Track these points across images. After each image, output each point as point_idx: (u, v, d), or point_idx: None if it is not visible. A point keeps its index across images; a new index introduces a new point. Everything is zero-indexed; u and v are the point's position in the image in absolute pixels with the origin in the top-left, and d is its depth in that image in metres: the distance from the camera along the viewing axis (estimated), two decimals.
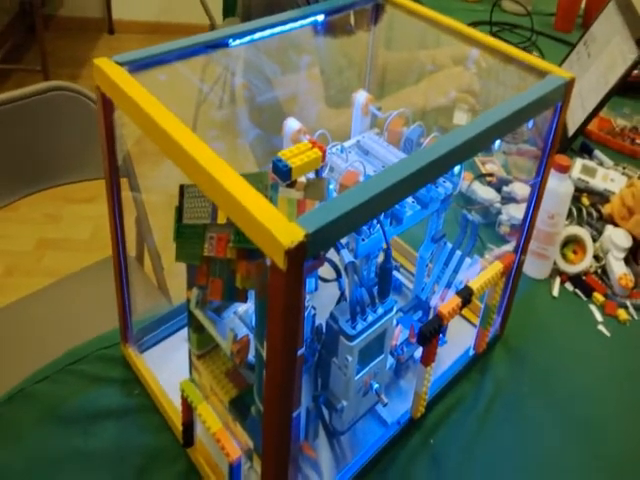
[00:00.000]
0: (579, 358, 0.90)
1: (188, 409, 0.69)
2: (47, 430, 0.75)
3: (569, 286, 0.99)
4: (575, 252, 1.00)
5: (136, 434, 0.76)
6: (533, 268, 0.99)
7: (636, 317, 0.95)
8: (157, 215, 1.36)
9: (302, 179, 0.59)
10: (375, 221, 0.71)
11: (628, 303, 0.96)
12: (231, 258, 0.63)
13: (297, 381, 0.58)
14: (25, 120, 1.25)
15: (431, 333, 0.70)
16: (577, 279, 0.99)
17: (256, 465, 0.72)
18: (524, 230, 0.83)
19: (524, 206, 0.84)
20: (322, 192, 0.58)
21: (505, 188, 1.10)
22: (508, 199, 1.08)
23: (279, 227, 0.46)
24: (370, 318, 0.65)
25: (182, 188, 0.67)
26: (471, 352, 0.86)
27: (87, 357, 0.83)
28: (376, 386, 0.69)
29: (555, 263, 1.00)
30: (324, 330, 0.68)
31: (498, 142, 0.73)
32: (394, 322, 0.69)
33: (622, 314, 0.94)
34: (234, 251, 0.62)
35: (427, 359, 0.72)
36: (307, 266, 0.49)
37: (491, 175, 1.14)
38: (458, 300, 0.73)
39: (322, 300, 0.77)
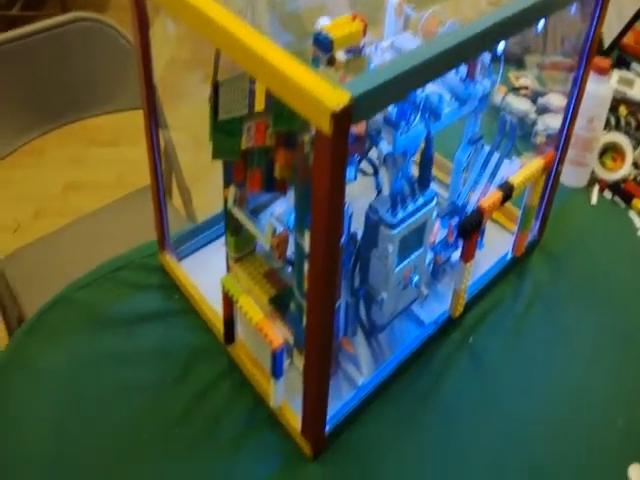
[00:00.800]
0: (618, 263, 0.88)
1: (229, 305, 0.70)
2: (91, 333, 0.77)
3: (607, 194, 0.97)
4: (614, 159, 0.98)
5: (177, 335, 0.77)
6: (571, 176, 0.97)
7: None
8: (182, 153, 1.36)
9: (342, 58, 0.57)
10: (413, 116, 0.70)
11: None
12: (270, 146, 0.62)
13: (339, 269, 0.57)
14: (52, 52, 1.24)
15: (472, 226, 0.69)
16: (616, 186, 0.97)
17: (296, 360, 0.73)
18: (562, 135, 0.81)
19: (560, 116, 0.82)
20: (362, 70, 0.57)
21: (540, 100, 1.07)
22: (543, 110, 1.06)
23: (325, 91, 0.46)
24: (410, 208, 0.64)
25: (216, 85, 0.66)
26: (509, 256, 0.85)
27: (126, 266, 0.84)
28: (416, 279, 0.69)
29: (593, 172, 0.98)
30: (364, 223, 0.67)
31: (542, 22, 0.70)
32: (434, 214, 0.68)
33: None
34: (273, 137, 0.61)
35: (467, 254, 0.71)
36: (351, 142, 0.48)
37: (525, 88, 1.11)
38: (499, 194, 0.72)
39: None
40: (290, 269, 0.76)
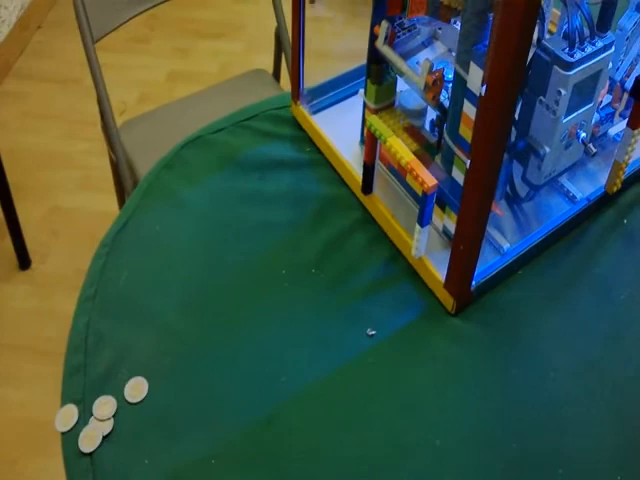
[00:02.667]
0: None
1: (373, 148, 0.67)
2: (227, 172, 0.76)
3: None
4: None
5: (312, 183, 0.75)
6: None
7: None
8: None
9: None
10: None
11: None
12: None
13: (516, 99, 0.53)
14: None
15: None
16: None
17: (435, 218, 0.70)
18: None
19: None
20: None
21: None
22: None
23: None
24: (588, 50, 0.58)
25: None
26: None
27: (257, 115, 0.82)
28: (583, 135, 0.64)
29: None
30: (529, 66, 0.61)
31: None
32: (610, 64, 0.62)
33: None
34: None
35: (636, 119, 0.65)
36: None
37: None
38: None
39: None
40: (429, 127, 0.73)
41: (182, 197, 0.74)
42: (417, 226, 0.64)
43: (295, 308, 0.65)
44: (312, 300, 0.66)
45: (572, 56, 0.57)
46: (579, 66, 0.58)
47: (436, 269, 0.66)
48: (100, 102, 1.21)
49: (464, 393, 0.59)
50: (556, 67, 0.58)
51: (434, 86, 0.62)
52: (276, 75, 1.47)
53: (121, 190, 1.42)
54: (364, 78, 0.70)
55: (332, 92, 0.84)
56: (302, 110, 0.80)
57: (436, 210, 0.68)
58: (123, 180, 1.23)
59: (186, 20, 2.41)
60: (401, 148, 0.62)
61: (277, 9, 1.29)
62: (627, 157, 0.68)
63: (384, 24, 0.65)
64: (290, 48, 1.33)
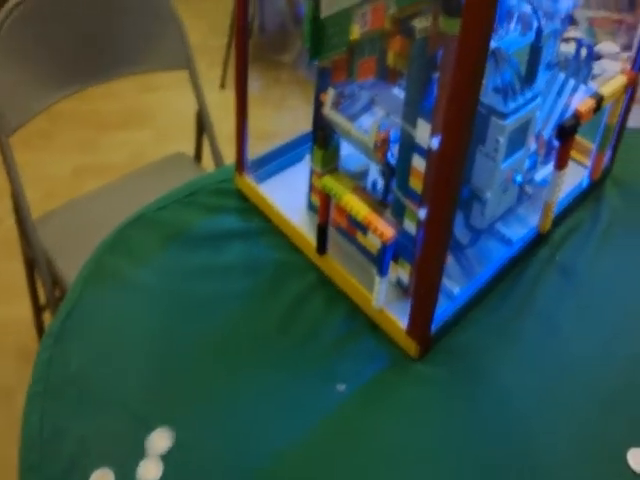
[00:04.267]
0: None
1: (326, 208, 0.69)
2: (175, 248, 0.75)
3: None
4: None
5: (263, 251, 0.75)
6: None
7: None
8: None
9: None
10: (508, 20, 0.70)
11: None
12: (385, 32, 0.61)
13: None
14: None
15: (570, 128, 0.69)
16: None
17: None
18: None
19: (615, 62, 0.83)
20: None
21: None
22: (597, 57, 1.07)
23: None
24: (520, 100, 0.64)
25: None
26: (585, 183, 0.85)
27: (200, 190, 0.83)
28: (519, 178, 0.68)
29: None
30: None
31: None
32: (538, 112, 0.68)
33: None
34: (392, 21, 0.60)
35: (562, 160, 0.71)
36: None
37: (574, 39, 1.13)
38: (592, 101, 0.72)
39: None
40: (377, 184, 0.76)
41: (130, 278, 0.72)
42: (377, 277, 0.65)
43: (262, 375, 0.64)
44: (278, 365, 0.65)
45: (507, 107, 0.63)
46: (513, 115, 0.63)
47: (396, 318, 0.67)
48: (16, 197, 1.17)
49: (438, 432, 0.61)
50: (493, 117, 0.63)
51: (382, 145, 0.66)
52: (197, 158, 1.48)
53: (34, 291, 1.35)
54: (310, 144, 0.73)
55: (276, 161, 0.86)
56: (247, 181, 0.81)
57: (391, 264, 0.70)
58: (43, 276, 1.17)
59: (90, 112, 2.38)
60: (357, 204, 0.65)
61: (199, 91, 1.31)
62: (555, 197, 0.74)
63: (331, 91, 0.68)
64: (212, 130, 1.36)
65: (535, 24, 0.68)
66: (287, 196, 0.80)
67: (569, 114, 0.75)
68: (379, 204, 0.72)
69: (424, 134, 0.60)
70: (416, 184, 0.63)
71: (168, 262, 0.73)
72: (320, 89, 0.70)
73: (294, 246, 0.76)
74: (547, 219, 0.75)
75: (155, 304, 0.70)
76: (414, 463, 0.58)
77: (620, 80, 0.77)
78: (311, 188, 0.78)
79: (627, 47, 1.19)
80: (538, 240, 0.78)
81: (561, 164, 0.71)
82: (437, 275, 0.61)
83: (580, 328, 0.70)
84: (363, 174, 0.76)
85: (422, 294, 0.62)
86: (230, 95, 0.77)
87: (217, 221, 0.78)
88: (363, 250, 0.73)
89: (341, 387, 0.64)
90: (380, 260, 0.64)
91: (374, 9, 0.60)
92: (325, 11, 0.65)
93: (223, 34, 2.43)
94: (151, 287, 0.71)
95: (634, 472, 0.58)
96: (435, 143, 0.61)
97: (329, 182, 0.67)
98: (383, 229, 0.62)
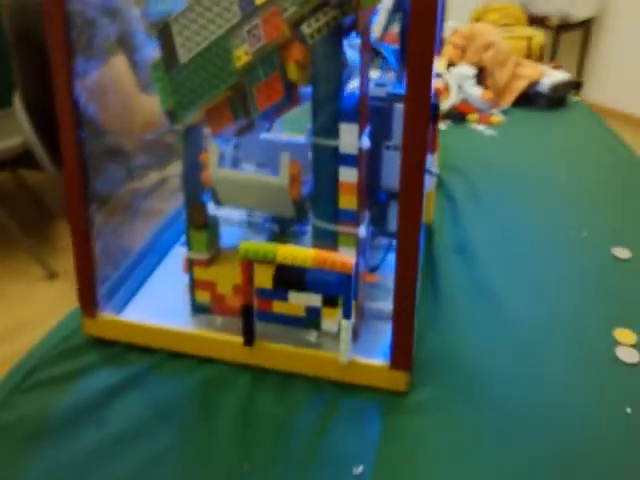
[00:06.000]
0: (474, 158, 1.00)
1: (250, 284, 0.56)
2: (47, 440, 0.54)
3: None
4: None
5: (166, 388, 0.59)
6: None
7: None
8: None
9: None
10: None
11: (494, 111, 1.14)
12: (282, 42, 0.51)
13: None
14: None
15: None
16: (449, 113, 1.10)
17: (326, 322, 0.61)
18: None
19: None
20: None
21: None
22: None
23: None
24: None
25: (164, 29, 0.54)
26: None
27: (42, 363, 0.61)
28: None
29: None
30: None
31: None
32: None
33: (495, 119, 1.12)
34: (289, 27, 0.50)
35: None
36: None
37: None
38: None
39: None
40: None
41: None
42: (343, 322, 0.56)
43: None
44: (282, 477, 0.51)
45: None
46: None
47: (370, 361, 0.58)
48: None
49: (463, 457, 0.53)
50: (396, 104, 0.59)
51: (297, 177, 0.57)
52: None
53: None
54: (184, 235, 0.61)
55: (127, 282, 0.69)
56: (105, 319, 0.63)
57: (325, 313, 0.60)
58: None
59: None
60: (299, 251, 0.54)
61: None
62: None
63: (213, 147, 0.58)
64: None
65: None
66: (160, 313, 0.63)
67: None
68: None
69: (350, 137, 0.54)
70: (349, 202, 0.56)
71: (44, 464, 0.52)
72: (192, 154, 0.59)
73: (202, 360, 0.61)
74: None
75: None
76: None
77: None
78: (193, 286, 0.63)
79: None
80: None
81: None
82: (414, 297, 0.55)
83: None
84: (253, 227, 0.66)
85: (403, 319, 0.55)
86: None
87: (84, 388, 0.58)
88: (285, 319, 0.60)
89: (357, 470, 0.52)
90: (345, 297, 0.54)
91: (266, 18, 0.50)
92: (184, 56, 0.53)
93: None
94: None
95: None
96: (365, 142, 0.55)
97: (250, 246, 0.54)
98: (342, 260, 0.53)
